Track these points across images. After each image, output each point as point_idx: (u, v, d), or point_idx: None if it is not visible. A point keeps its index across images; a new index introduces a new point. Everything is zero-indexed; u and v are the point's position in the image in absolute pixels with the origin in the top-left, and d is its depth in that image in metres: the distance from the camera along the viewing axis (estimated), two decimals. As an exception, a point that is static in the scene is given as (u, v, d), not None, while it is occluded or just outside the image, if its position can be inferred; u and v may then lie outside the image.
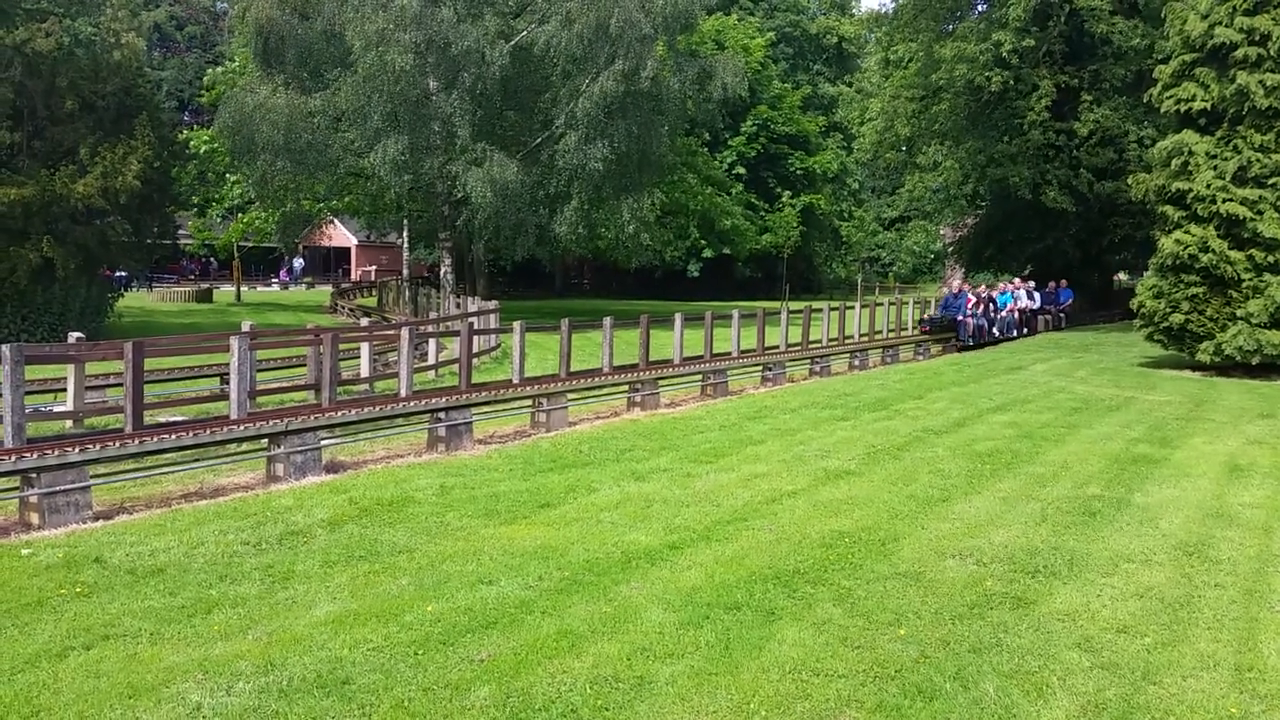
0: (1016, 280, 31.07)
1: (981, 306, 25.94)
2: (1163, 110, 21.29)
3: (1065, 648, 5.37)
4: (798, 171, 58.03)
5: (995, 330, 26.64)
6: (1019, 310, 28.54)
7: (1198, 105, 19.99)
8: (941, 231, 59.86)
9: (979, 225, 43.55)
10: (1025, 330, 28.83)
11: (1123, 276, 53.13)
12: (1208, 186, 19.38)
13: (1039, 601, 6.05)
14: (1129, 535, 7.56)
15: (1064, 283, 34.01)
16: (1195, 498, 8.87)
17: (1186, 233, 19.72)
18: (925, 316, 25.57)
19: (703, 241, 51.07)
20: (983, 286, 26.84)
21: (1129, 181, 23.13)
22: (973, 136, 36.61)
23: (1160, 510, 8.34)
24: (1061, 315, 32.12)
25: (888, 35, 39.85)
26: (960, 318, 25.03)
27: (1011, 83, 32.41)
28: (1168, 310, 20.17)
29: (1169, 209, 20.30)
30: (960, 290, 25.95)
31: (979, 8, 37.12)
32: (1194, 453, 11.09)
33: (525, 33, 31.18)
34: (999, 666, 5.09)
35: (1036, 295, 30.52)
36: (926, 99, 36.57)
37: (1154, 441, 11.69)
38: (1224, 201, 19.17)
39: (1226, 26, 19.46)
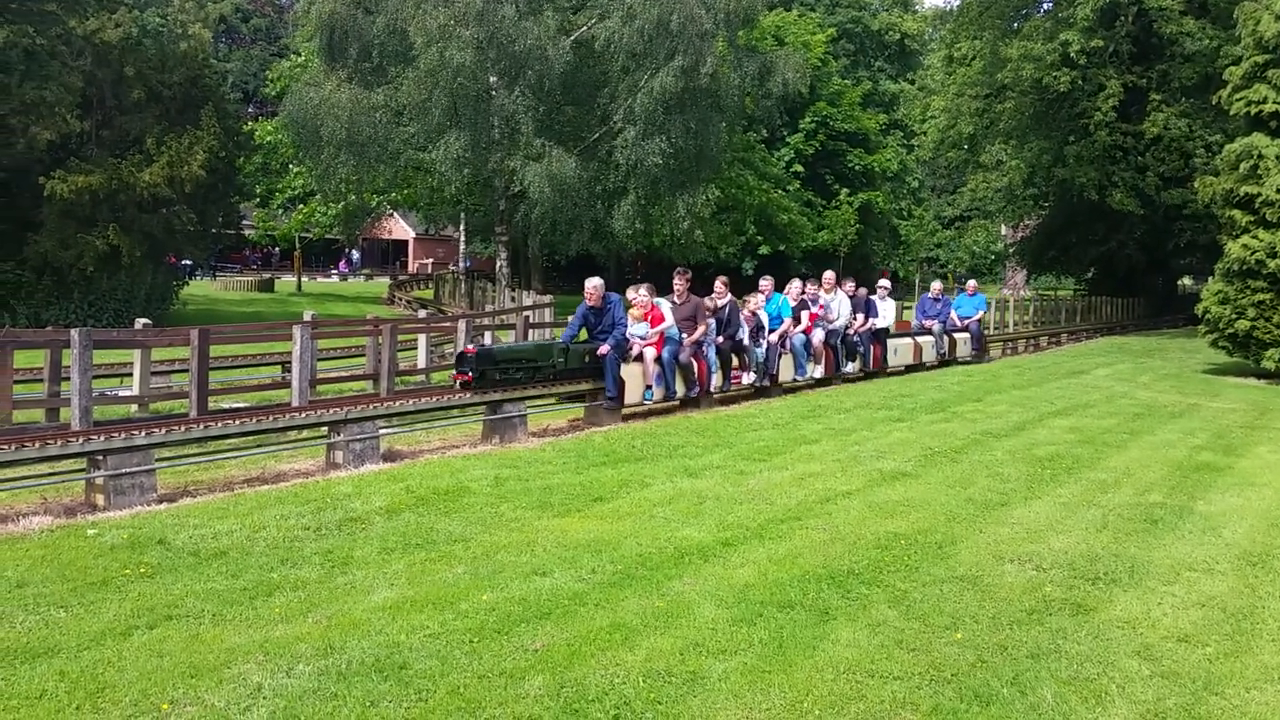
0: (828, 276, 17.04)
1: (697, 328, 13.42)
2: (1232, 112, 20.87)
3: (1125, 655, 5.29)
4: (856, 169, 57.57)
5: (751, 372, 14.72)
6: (831, 331, 16.39)
7: (1269, 108, 19.56)
8: (1002, 231, 59.14)
9: (1041, 226, 42.99)
10: (853, 364, 17.13)
11: (1187, 281, 52.15)
12: (1277, 191, 18.96)
13: (1099, 608, 5.97)
14: (1191, 543, 7.42)
15: (971, 285, 22.95)
16: (1259, 506, 8.68)
17: (1254, 238, 19.32)
18: (468, 348, 11.95)
19: (759, 238, 50.88)
20: (720, 288, 14.47)
21: (1195, 185, 22.70)
22: (1038, 136, 36.14)
23: (1223, 519, 8.17)
24: (949, 340, 20.22)
25: (951, 33, 39.45)
26: (606, 349, 12.36)
27: (1078, 82, 31.91)
28: (1233, 316, 19.77)
29: (1236, 213, 19.90)
30: (605, 296, 12.76)
31: (1045, 6, 36.62)
32: (1259, 461, 10.86)
33: (585, 28, 31.30)
34: (1057, 673, 5.02)
35: (884, 306, 18.15)
36: (990, 97, 36.16)
37: (1218, 449, 11.47)
38: (1294, 206, 18.78)
39: (1301, 27, 19.05)
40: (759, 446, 10.76)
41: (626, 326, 12.81)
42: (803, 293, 16.09)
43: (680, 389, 13.38)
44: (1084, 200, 34.32)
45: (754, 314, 14.88)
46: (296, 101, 30.22)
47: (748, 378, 14.74)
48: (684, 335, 13.37)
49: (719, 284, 14.58)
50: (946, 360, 20.10)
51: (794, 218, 51.50)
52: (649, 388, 12.97)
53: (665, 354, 13.04)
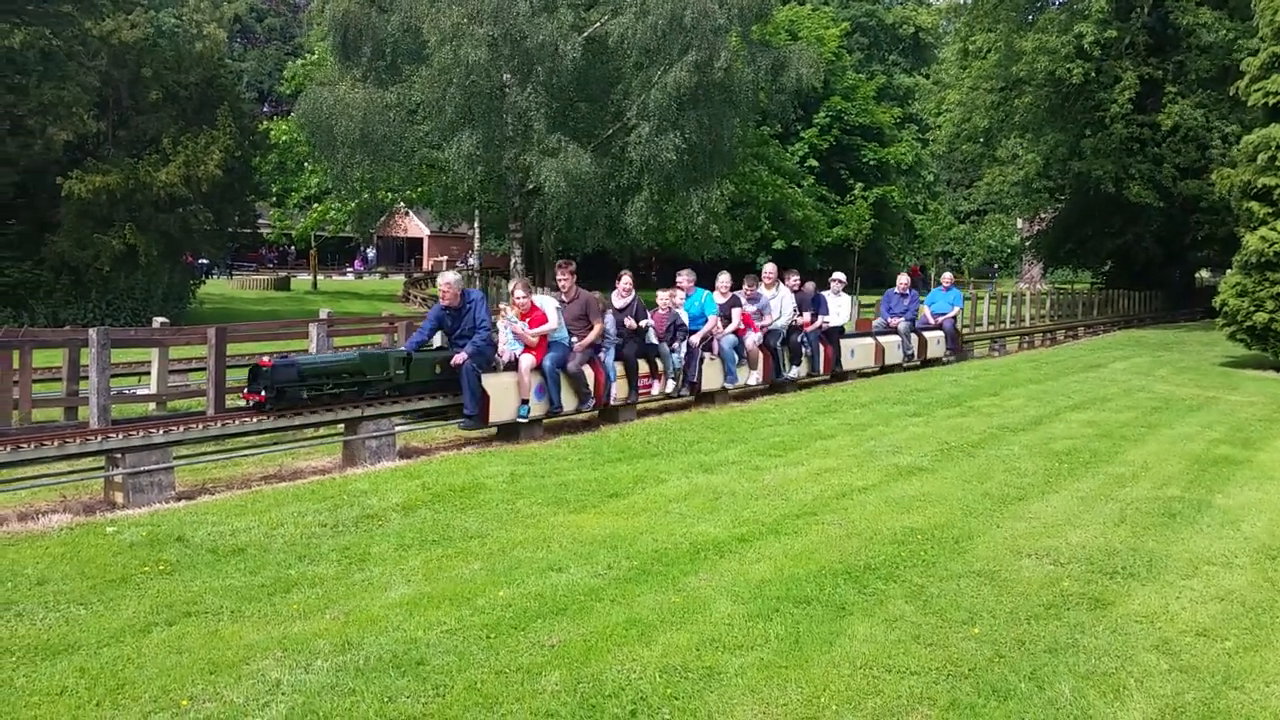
0: (768, 269, 15.38)
1: (590, 330, 11.74)
2: (1250, 103, 20.76)
3: (1143, 650, 5.27)
4: (871, 163, 57.41)
5: (669, 379, 12.86)
6: (771, 332, 14.58)
7: (1287, 98, 19.47)
8: (1018, 225, 58.86)
9: (1057, 219, 42.81)
10: (799, 368, 15.18)
11: (1205, 274, 51.85)
12: (1296, 182, 18.87)
13: (1116, 603, 5.94)
14: (1209, 537, 7.39)
15: (947, 279, 20.45)
16: (1278, 500, 8.64)
17: (1272, 229, 19.21)
18: (263, 360, 9.40)
19: (774, 233, 50.77)
20: (626, 283, 12.78)
21: (1213, 177, 22.58)
22: (1053, 129, 35.98)
23: (1242, 512, 8.13)
24: (918, 339, 18.29)
25: (966, 26, 39.27)
26: (462, 358, 10.32)
27: (1093, 75, 31.74)
28: (1251, 309, 19.67)
29: (1254, 205, 19.79)
30: (465, 294, 10.79)
31: (1060, -2, 36.48)
32: (1277, 455, 10.79)
33: (599, 24, 31.26)
34: (1075, 667, 5.01)
35: (837, 302, 16.21)
36: (1006, 90, 36.01)
37: (1236, 442, 11.41)
38: (1313, 198, 18.67)
39: (1320, 17, 18.93)
40: (774, 442, 10.75)
41: (489, 330, 10.72)
42: (734, 288, 14.26)
43: (569, 402, 11.39)
44: (1100, 193, 34.14)
45: (668, 311, 13.18)
46: (311, 101, 30.26)
47: (661, 387, 12.85)
48: (574, 339, 11.48)
49: (625, 278, 12.76)
50: (914, 363, 18.26)
51: (808, 213, 51.36)
52: (525, 402, 10.82)
53: (548, 362, 10.93)
